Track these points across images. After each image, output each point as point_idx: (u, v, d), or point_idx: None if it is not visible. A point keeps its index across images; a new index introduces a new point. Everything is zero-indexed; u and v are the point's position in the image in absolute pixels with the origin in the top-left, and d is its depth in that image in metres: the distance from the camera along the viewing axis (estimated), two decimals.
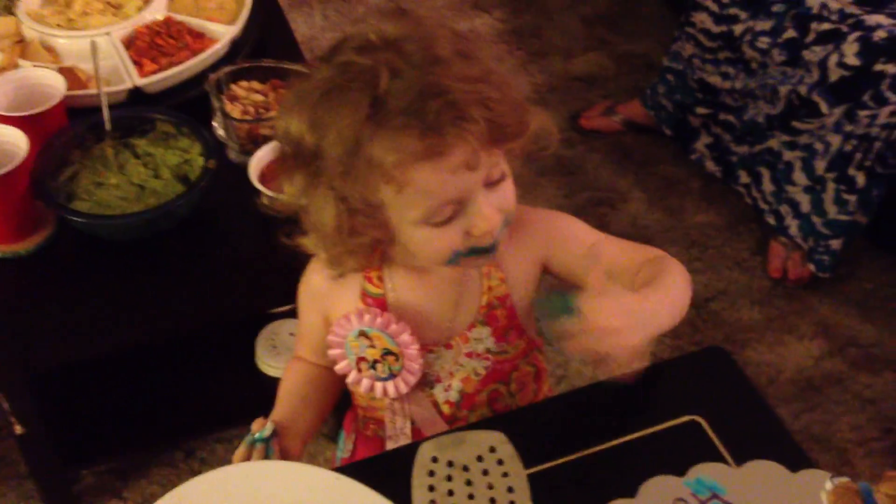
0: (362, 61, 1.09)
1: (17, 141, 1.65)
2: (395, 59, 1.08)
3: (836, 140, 2.30)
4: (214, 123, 1.84)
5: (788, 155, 2.44)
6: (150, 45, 1.98)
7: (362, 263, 1.24)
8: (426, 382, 1.33)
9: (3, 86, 1.76)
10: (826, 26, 2.29)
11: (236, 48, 2.03)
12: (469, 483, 1.14)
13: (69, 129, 1.74)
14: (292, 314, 2.01)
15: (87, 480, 2.16)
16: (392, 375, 1.29)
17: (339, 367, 1.32)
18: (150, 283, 1.72)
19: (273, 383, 1.99)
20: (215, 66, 1.92)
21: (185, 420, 2.07)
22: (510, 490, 1.13)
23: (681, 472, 1.15)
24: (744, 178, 2.61)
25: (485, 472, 1.15)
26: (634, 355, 1.08)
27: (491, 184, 1.14)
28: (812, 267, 2.47)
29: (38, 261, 1.69)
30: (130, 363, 2.09)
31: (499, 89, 1.11)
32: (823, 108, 2.30)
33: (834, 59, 2.25)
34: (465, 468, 1.15)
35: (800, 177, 2.41)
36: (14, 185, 1.63)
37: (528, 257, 1.30)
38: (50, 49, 1.97)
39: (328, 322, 1.33)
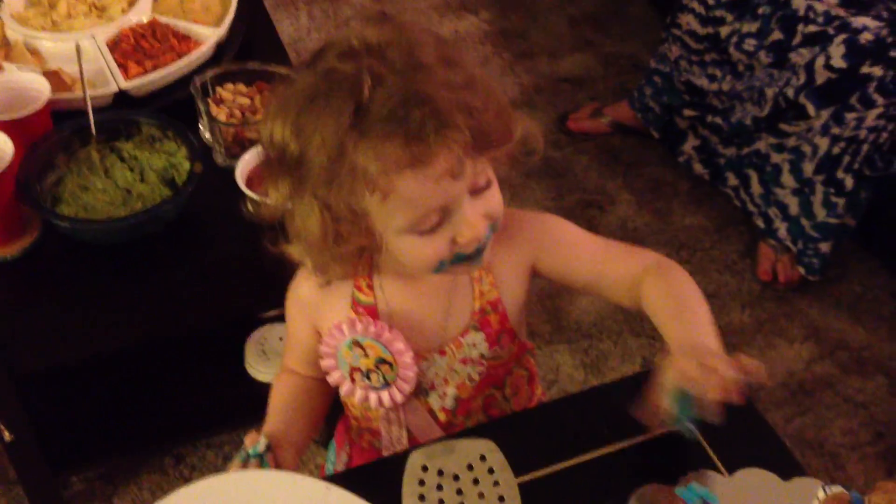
0: (345, 68, 1.08)
1: (1, 145, 1.64)
2: (378, 66, 1.07)
3: (823, 143, 2.30)
4: (200, 127, 1.83)
5: (776, 157, 2.44)
6: (134, 47, 1.97)
7: (349, 271, 1.24)
8: (421, 390, 1.32)
9: None
10: (812, 28, 2.29)
11: (222, 50, 2.02)
12: (460, 492, 1.13)
13: (54, 133, 1.73)
14: (281, 318, 2.00)
15: (77, 486, 2.14)
16: (386, 384, 1.28)
17: (333, 379, 1.31)
18: (137, 288, 1.71)
19: (262, 388, 1.98)
20: (201, 69, 1.91)
21: (174, 425, 2.06)
22: (501, 499, 1.13)
23: (672, 480, 1.14)
24: (732, 180, 2.61)
25: (475, 481, 1.14)
26: (734, 384, 1.08)
27: (476, 191, 1.13)
28: (801, 270, 2.47)
29: (24, 265, 1.68)
30: (119, 368, 2.08)
31: (483, 96, 1.10)
32: (810, 110, 2.30)
33: (820, 61, 2.25)
34: (456, 477, 1.14)
35: (788, 179, 2.41)
36: None
37: (517, 260, 1.29)
38: (34, 52, 1.96)
39: (318, 333, 1.32)
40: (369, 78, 1.06)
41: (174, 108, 1.86)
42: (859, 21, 2.23)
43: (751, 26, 2.43)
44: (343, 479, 1.12)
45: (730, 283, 2.54)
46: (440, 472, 1.15)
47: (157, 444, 2.08)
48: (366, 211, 1.12)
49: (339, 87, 1.07)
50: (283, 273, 1.31)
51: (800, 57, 2.31)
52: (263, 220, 1.21)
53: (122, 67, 1.93)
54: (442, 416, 1.34)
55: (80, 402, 2.06)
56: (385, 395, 1.29)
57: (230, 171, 1.67)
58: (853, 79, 2.22)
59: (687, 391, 1.08)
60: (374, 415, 1.36)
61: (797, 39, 2.32)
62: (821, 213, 2.38)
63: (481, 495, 1.13)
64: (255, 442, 1.24)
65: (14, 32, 1.97)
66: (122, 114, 1.80)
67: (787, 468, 1.17)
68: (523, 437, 1.24)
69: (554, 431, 1.25)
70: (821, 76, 2.26)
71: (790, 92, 2.33)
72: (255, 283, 1.72)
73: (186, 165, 1.70)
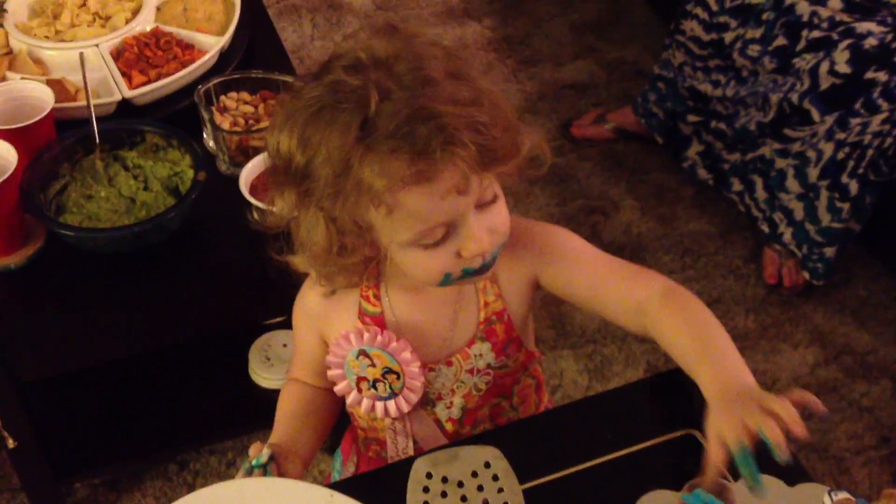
0: (352, 81, 1.07)
1: (5, 154, 1.65)
2: (385, 80, 1.06)
3: (828, 148, 2.30)
4: (204, 135, 1.83)
5: (781, 163, 2.43)
6: (138, 56, 1.97)
7: (354, 280, 1.23)
8: (427, 400, 1.32)
9: None
10: (816, 34, 2.29)
11: (225, 59, 2.03)
12: (464, 499, 1.13)
13: (58, 142, 1.74)
14: (285, 325, 1.99)
15: (80, 493, 2.14)
16: (393, 394, 1.28)
17: (339, 388, 1.31)
18: (141, 296, 1.72)
19: (266, 395, 1.99)
20: (204, 78, 1.92)
21: (178, 432, 2.06)
22: None
23: (677, 486, 1.14)
24: (736, 185, 2.60)
25: (480, 488, 1.14)
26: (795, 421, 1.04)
27: (483, 205, 1.13)
28: (806, 275, 2.47)
29: (28, 274, 1.69)
30: (123, 374, 2.08)
31: (491, 111, 1.10)
32: (815, 115, 2.30)
33: (825, 66, 2.25)
34: (460, 484, 1.14)
35: (793, 184, 2.40)
36: (3, 199, 1.62)
37: (521, 271, 1.28)
38: (38, 61, 1.96)
39: (325, 342, 1.32)
40: (376, 92, 1.05)
41: (178, 116, 1.87)
42: (863, 26, 2.23)
43: (755, 32, 2.43)
44: (347, 486, 1.12)
45: (734, 289, 2.54)
46: (444, 480, 1.15)
47: (160, 450, 2.08)
48: (371, 224, 1.12)
49: (346, 100, 1.07)
50: (287, 280, 1.31)
51: (804, 62, 2.31)
52: (269, 229, 1.21)
53: (126, 76, 1.93)
54: (449, 427, 1.34)
55: (84, 407, 2.06)
56: (392, 404, 1.29)
57: (234, 180, 1.67)
58: (858, 84, 2.21)
59: (749, 447, 1.04)
60: (380, 425, 1.36)
61: (801, 45, 2.32)
62: (825, 218, 2.38)
63: (486, 502, 1.13)
64: (259, 453, 1.24)
65: (18, 42, 1.98)
66: (125, 123, 1.81)
67: (792, 473, 1.16)
68: (528, 443, 1.23)
69: (558, 438, 1.25)
70: (825, 81, 2.26)
71: (794, 97, 2.32)
72: (258, 290, 1.72)
73: (190, 174, 1.71)
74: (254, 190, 1.65)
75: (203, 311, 1.75)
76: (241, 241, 1.69)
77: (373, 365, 1.26)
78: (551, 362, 2.36)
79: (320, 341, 1.33)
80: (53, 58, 1.97)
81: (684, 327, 1.18)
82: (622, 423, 1.25)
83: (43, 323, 1.68)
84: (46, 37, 2.01)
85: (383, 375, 1.26)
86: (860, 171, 2.29)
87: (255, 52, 2.09)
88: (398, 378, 1.27)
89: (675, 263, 2.58)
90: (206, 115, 1.81)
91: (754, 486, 1.05)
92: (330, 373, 1.30)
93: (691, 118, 2.68)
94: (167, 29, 2.03)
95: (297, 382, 1.40)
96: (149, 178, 1.72)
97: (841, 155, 2.28)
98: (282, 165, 1.14)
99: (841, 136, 2.26)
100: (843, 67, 2.22)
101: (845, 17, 2.27)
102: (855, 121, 2.23)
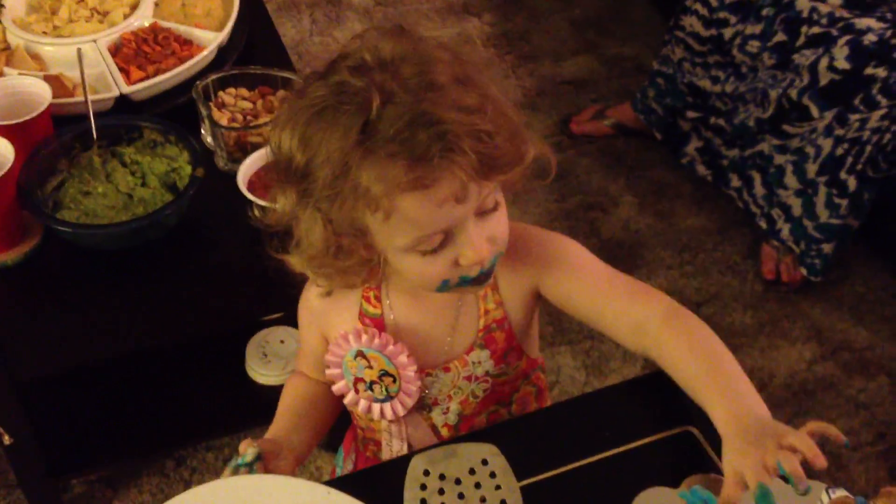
0: (356, 82, 1.06)
1: (2, 150, 1.64)
2: (390, 82, 1.05)
3: (827, 144, 2.29)
4: (202, 131, 1.83)
5: (779, 159, 2.43)
6: (136, 52, 1.97)
7: (352, 281, 1.22)
8: (423, 405, 1.31)
9: None
10: (816, 30, 2.29)
11: (224, 55, 2.02)
12: (461, 497, 1.13)
13: (55, 138, 1.73)
14: (282, 322, 2.01)
15: (77, 490, 2.14)
16: (389, 397, 1.27)
17: (337, 388, 1.30)
18: (139, 293, 1.72)
19: (263, 391, 1.98)
20: (202, 74, 1.91)
21: (175, 428, 2.05)
22: (503, 503, 1.12)
23: (675, 483, 1.14)
24: (735, 181, 2.60)
25: (477, 486, 1.14)
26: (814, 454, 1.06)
27: (483, 213, 1.12)
28: (804, 271, 2.47)
29: (25, 270, 1.69)
30: (119, 371, 2.08)
31: (496, 119, 1.08)
32: (814, 111, 2.30)
33: (824, 62, 2.25)
34: (458, 481, 1.14)
35: (791, 180, 2.40)
36: (0, 195, 1.61)
37: (523, 280, 1.27)
38: (35, 57, 1.96)
39: (327, 340, 1.31)
40: (379, 95, 1.04)
41: (176, 112, 1.87)
42: (863, 22, 2.23)
43: (754, 28, 2.42)
44: (344, 484, 1.12)
45: (732, 285, 2.54)
46: (442, 477, 1.15)
47: (157, 446, 2.08)
48: (368, 228, 1.11)
49: (349, 101, 1.05)
50: (285, 277, 1.31)
51: (803, 58, 2.31)
52: (269, 227, 1.21)
53: (124, 72, 1.93)
54: (444, 432, 1.33)
55: (80, 404, 2.05)
56: (387, 407, 1.28)
57: (232, 176, 1.67)
58: (857, 80, 2.21)
59: (768, 488, 1.03)
60: (377, 426, 1.35)
61: (801, 41, 2.32)
62: (824, 215, 2.37)
63: (483, 499, 1.13)
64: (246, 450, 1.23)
65: (15, 37, 1.98)
66: (123, 118, 1.81)
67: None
68: (525, 440, 1.23)
69: (556, 434, 1.24)
70: (824, 77, 2.26)
71: (794, 93, 2.32)
72: (256, 286, 1.72)
73: (188, 170, 1.70)
74: (252, 186, 1.65)
75: (201, 309, 1.75)
76: (239, 237, 1.70)
77: (370, 366, 1.26)
78: (549, 358, 2.36)
79: (322, 338, 1.32)
80: (51, 53, 1.96)
81: (689, 353, 1.16)
82: (620, 419, 1.25)
83: (40, 320, 1.68)
84: (44, 32, 2.00)
85: (380, 378, 1.26)
86: (859, 167, 2.29)
87: (253, 48, 2.09)
88: (394, 381, 1.26)
89: (674, 259, 2.58)
90: (204, 111, 1.81)
91: None
92: (328, 372, 1.29)
93: (690, 114, 2.68)
94: (165, 24, 2.03)
95: (300, 376, 1.40)
96: (146, 175, 1.72)
97: (839, 151, 2.28)
98: (283, 163, 1.13)
99: (840, 132, 2.26)
100: (842, 63, 2.22)
101: (845, 13, 2.27)
102: (854, 117, 2.23)
